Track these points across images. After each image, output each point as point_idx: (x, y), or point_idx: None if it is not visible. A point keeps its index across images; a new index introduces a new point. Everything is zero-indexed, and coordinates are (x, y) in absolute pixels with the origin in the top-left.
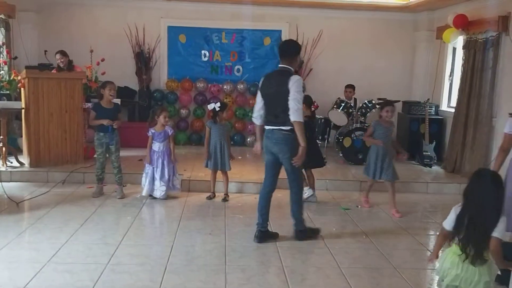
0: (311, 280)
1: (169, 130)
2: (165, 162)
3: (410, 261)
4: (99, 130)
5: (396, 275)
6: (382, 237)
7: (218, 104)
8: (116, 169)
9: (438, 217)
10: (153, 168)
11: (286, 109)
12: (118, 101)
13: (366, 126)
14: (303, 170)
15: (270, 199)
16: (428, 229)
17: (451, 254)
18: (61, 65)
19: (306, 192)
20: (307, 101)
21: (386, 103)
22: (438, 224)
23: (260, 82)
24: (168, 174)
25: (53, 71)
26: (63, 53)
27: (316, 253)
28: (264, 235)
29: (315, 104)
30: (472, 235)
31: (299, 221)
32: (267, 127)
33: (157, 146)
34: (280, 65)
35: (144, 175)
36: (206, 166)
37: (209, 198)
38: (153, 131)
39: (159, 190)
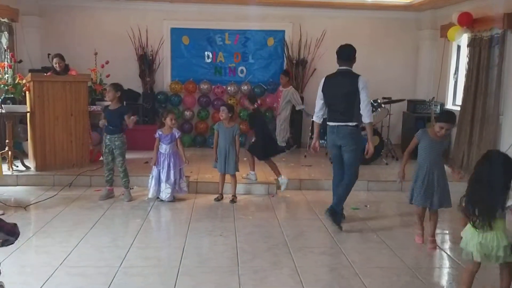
0: (325, 280)
1: (176, 133)
2: (171, 165)
3: (424, 260)
4: (104, 131)
5: (411, 274)
6: (393, 236)
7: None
8: (122, 174)
9: (446, 216)
10: (159, 170)
11: (353, 107)
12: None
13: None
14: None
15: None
16: (439, 229)
17: (470, 229)
18: (58, 69)
19: (249, 174)
20: (251, 98)
21: (443, 118)
22: (448, 222)
23: (322, 84)
24: (174, 176)
25: (49, 73)
26: (61, 57)
27: (328, 253)
28: (335, 213)
29: (258, 102)
30: (481, 209)
31: (341, 203)
32: (331, 123)
33: (163, 148)
34: (341, 67)
35: (150, 177)
36: (215, 167)
37: (217, 199)
38: (160, 133)
39: (165, 192)
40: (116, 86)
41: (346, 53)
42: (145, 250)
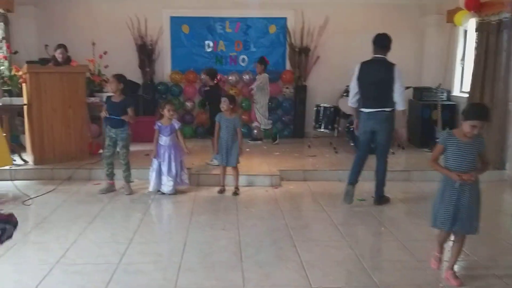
0: (332, 275)
1: (175, 124)
2: (172, 157)
3: (433, 253)
4: (106, 123)
5: (420, 267)
6: (401, 228)
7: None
8: (124, 166)
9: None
10: (160, 162)
11: (388, 93)
12: None
13: None
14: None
15: (363, 165)
16: None
17: None
18: (60, 60)
19: (212, 159)
20: (211, 74)
21: (474, 114)
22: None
23: (358, 70)
24: (175, 169)
25: (49, 64)
26: (65, 48)
27: (335, 246)
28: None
29: (218, 78)
30: None
31: (382, 187)
32: (366, 110)
33: (163, 140)
34: (376, 55)
35: (151, 170)
36: (214, 162)
37: (220, 192)
38: (159, 124)
39: (167, 185)
40: (120, 77)
41: (382, 42)
42: (146, 245)
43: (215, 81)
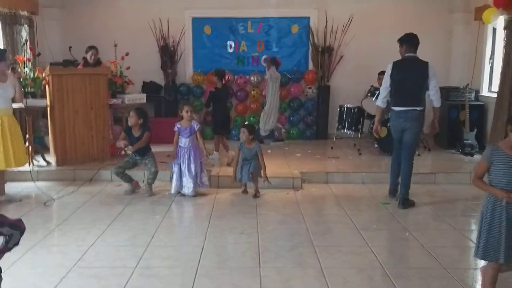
0: (353, 283)
1: (195, 125)
2: (192, 158)
3: (460, 260)
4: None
5: (447, 276)
6: (426, 234)
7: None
8: (152, 175)
9: None
10: (180, 164)
11: (421, 92)
12: (144, 96)
13: None
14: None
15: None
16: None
17: None
18: (91, 61)
19: (213, 154)
20: (219, 74)
21: None
22: None
23: (391, 70)
24: (195, 170)
25: (79, 67)
26: (97, 50)
27: (357, 252)
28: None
29: (227, 77)
30: None
31: (407, 189)
32: (397, 108)
33: (183, 142)
34: (408, 54)
35: (171, 172)
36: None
37: (244, 192)
38: (179, 126)
39: (187, 186)
40: (140, 113)
41: (413, 41)
42: (163, 249)
43: (224, 82)
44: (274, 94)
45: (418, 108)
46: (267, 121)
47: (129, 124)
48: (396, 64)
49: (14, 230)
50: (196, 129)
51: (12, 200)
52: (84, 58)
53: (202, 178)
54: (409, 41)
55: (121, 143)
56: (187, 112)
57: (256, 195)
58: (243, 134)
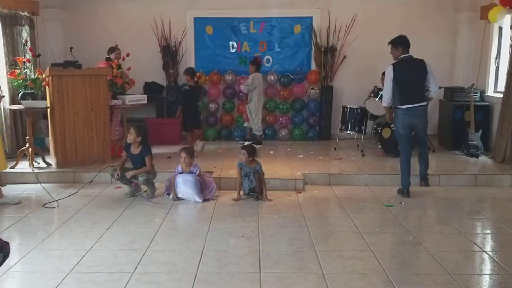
0: None
1: (195, 170)
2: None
3: (466, 265)
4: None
5: (452, 282)
6: (431, 238)
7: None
8: (148, 185)
9: (489, 213)
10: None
11: (423, 88)
12: (145, 97)
13: None
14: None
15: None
16: (482, 227)
17: None
18: (119, 62)
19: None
20: (191, 73)
21: None
22: (491, 221)
23: (393, 72)
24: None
25: (100, 64)
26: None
27: (359, 257)
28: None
29: (198, 75)
30: None
31: (426, 176)
32: (405, 106)
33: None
34: (404, 55)
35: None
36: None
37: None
38: (180, 170)
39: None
40: (139, 130)
41: (407, 43)
42: (161, 254)
43: (196, 79)
44: (259, 95)
45: (423, 103)
46: (255, 121)
47: (128, 141)
48: (396, 66)
49: None
50: (196, 173)
51: (10, 202)
52: (107, 58)
53: (208, 194)
54: (404, 43)
55: (114, 174)
56: (184, 158)
57: (257, 197)
58: (243, 156)
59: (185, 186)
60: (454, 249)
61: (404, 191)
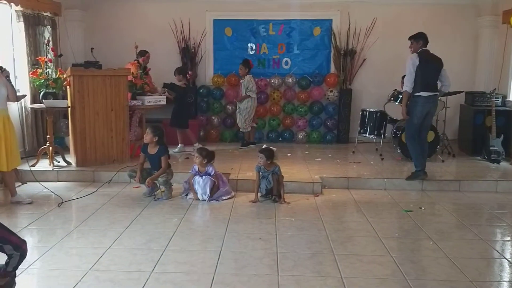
0: None
1: (210, 171)
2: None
3: (488, 273)
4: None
5: None
6: (451, 244)
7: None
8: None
9: (510, 219)
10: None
11: (437, 79)
12: (163, 97)
13: None
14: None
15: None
16: (502, 234)
17: None
18: (143, 64)
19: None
20: (183, 72)
21: None
22: None
23: (418, 60)
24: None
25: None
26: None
27: (379, 262)
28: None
29: (189, 73)
30: None
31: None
32: (426, 94)
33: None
34: (424, 48)
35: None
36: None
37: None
38: (196, 170)
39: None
40: (155, 130)
41: (426, 37)
42: (179, 254)
43: (188, 78)
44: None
45: (437, 93)
46: (242, 120)
47: (145, 141)
48: (421, 55)
49: (14, 251)
50: (211, 174)
51: (22, 202)
52: (136, 60)
53: (222, 196)
54: (425, 38)
55: (135, 177)
56: (195, 158)
57: (275, 200)
58: (261, 160)
59: (198, 186)
60: (475, 256)
61: (422, 173)
